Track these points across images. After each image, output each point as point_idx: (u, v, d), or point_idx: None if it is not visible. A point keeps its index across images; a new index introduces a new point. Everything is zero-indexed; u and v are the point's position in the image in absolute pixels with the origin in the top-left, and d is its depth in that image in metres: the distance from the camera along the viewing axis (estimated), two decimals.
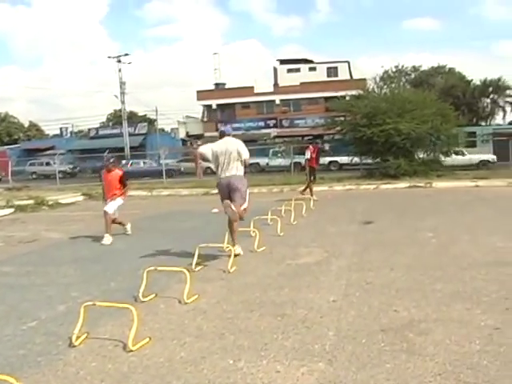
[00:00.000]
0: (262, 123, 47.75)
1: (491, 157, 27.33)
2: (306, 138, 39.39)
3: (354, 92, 26.41)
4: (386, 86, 27.50)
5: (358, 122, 22.57)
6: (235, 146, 7.20)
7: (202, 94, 50.75)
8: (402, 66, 51.89)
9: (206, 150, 7.36)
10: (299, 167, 25.25)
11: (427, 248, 7.23)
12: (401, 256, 6.75)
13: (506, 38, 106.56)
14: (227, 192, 7.19)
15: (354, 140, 23.40)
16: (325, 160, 28.72)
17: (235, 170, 7.17)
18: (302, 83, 46.78)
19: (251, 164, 7.77)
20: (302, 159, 22.76)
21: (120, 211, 9.62)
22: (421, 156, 23.09)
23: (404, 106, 22.01)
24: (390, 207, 12.82)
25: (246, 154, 7.22)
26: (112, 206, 9.24)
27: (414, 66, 52.83)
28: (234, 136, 7.62)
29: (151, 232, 10.15)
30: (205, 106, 51.37)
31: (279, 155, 34.69)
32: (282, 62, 52.70)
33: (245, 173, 7.36)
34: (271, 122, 47.94)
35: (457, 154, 24.07)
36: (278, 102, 48.54)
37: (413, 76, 51.39)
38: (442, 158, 23.38)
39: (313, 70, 50.17)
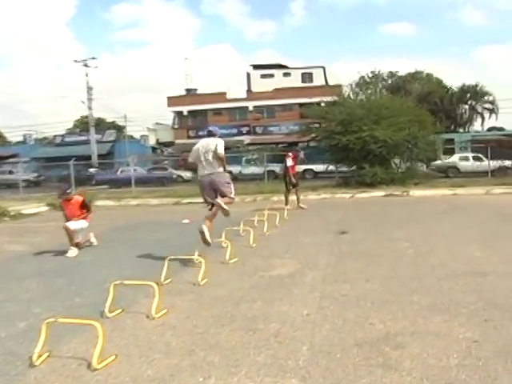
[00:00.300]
0: (234, 130, 47.33)
1: (508, 162, 27.45)
2: (280, 146, 39.47)
3: (329, 98, 26.52)
4: (362, 92, 27.67)
5: (333, 129, 22.56)
6: (214, 143, 7.38)
7: (172, 100, 50.62)
8: (379, 72, 52.36)
9: (191, 156, 7.65)
10: (273, 175, 25.21)
11: (404, 258, 7.16)
12: (377, 267, 6.67)
13: (484, 44, 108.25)
14: (210, 189, 7.47)
15: (329, 147, 23.48)
16: (299, 168, 28.80)
17: (216, 167, 7.41)
18: (275, 89, 46.97)
19: None
20: (275, 167, 22.70)
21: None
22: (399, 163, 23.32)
23: (380, 112, 22.12)
24: (365, 216, 12.80)
25: (220, 149, 7.33)
26: (74, 224, 8.74)
27: (390, 72, 53.23)
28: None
29: (119, 243, 9.90)
30: (176, 112, 51.17)
31: (252, 163, 34.59)
32: (256, 67, 52.74)
33: (225, 170, 7.58)
34: (244, 129, 47.99)
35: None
36: (251, 108, 48.61)
37: (389, 82, 51.77)
38: (460, 163, 23.48)
39: (287, 75, 50.41)
